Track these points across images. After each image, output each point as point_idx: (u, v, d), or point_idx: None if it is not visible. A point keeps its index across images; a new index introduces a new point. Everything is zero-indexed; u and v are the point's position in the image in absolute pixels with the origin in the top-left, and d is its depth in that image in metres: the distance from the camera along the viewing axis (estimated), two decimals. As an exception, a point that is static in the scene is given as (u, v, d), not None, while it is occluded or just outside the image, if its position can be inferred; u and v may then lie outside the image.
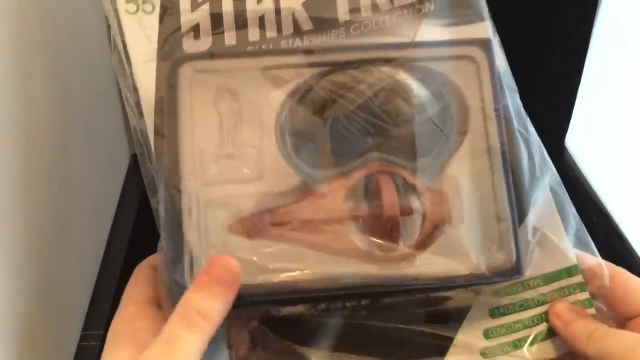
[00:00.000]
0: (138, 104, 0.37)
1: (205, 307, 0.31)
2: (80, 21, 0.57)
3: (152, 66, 0.37)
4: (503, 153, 0.37)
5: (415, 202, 0.36)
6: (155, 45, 0.37)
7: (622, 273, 0.37)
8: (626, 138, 0.67)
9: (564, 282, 0.38)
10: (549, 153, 0.74)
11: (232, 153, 0.36)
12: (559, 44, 0.69)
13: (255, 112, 0.37)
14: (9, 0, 0.40)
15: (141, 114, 0.37)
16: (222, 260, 0.33)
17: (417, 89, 0.38)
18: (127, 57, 0.37)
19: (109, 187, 0.65)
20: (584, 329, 0.35)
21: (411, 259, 0.35)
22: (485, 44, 0.39)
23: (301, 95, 0.38)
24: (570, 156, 0.75)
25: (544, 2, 0.67)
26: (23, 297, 0.41)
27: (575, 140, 0.75)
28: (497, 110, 0.39)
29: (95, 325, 0.52)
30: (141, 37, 0.37)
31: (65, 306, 0.50)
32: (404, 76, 0.38)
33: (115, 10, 0.37)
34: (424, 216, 0.36)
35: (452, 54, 0.38)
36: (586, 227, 0.64)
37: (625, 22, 0.67)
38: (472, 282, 0.36)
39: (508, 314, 0.38)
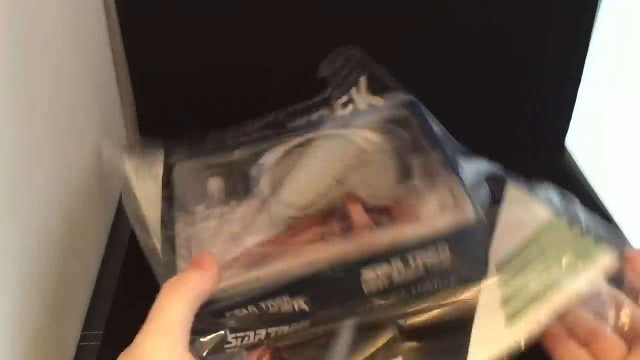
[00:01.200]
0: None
1: (183, 276, 0.36)
2: (80, 21, 0.57)
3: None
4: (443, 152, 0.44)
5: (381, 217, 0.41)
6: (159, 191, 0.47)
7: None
8: (626, 138, 0.67)
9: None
10: (549, 153, 0.74)
11: (221, 211, 0.43)
12: (559, 44, 0.69)
13: (241, 184, 0.45)
14: (10, 1, 0.40)
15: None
16: (202, 253, 0.38)
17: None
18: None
19: (109, 187, 0.65)
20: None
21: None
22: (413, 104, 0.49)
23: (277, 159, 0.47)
24: (570, 156, 0.75)
25: (545, 3, 0.67)
26: (24, 297, 0.41)
27: (575, 141, 0.75)
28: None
29: (95, 325, 0.52)
30: (148, 191, 0.46)
31: (65, 306, 0.50)
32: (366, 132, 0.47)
33: (127, 178, 0.47)
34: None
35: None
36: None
37: (625, 21, 0.67)
38: (443, 236, 0.38)
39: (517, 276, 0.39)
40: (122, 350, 0.46)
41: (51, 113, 0.48)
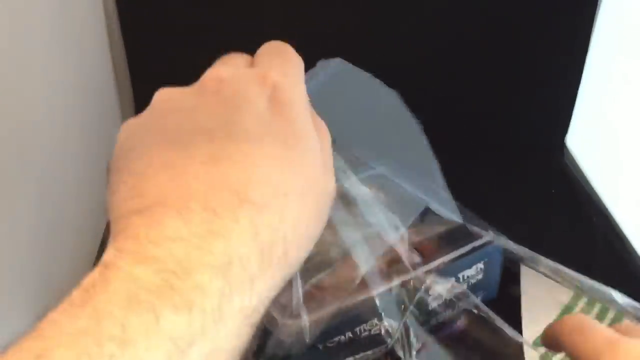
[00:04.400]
0: None
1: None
2: (78, 20, 0.57)
3: None
4: None
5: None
6: None
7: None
8: (627, 137, 0.67)
9: None
10: (549, 153, 0.74)
11: None
12: (559, 43, 0.69)
13: None
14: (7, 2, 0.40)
15: None
16: None
17: None
18: None
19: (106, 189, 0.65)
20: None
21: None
22: None
23: None
24: (570, 155, 0.75)
25: (545, 3, 0.66)
26: (17, 297, 0.41)
27: (575, 140, 0.75)
28: None
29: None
30: None
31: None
32: None
33: None
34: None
35: None
36: (586, 227, 0.64)
37: (625, 21, 0.67)
38: (481, 255, 0.46)
39: None
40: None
41: (47, 112, 0.48)
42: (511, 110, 0.73)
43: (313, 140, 0.27)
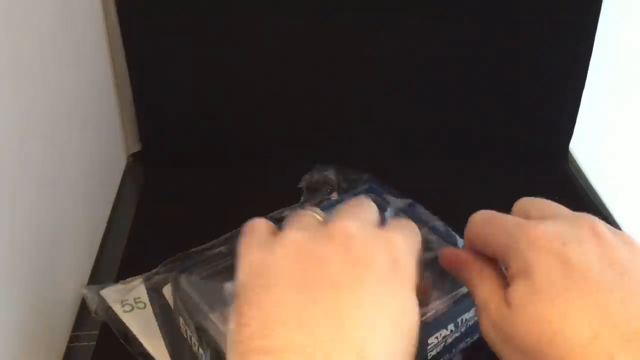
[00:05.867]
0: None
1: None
2: (76, 21, 0.56)
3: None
4: None
5: None
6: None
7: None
8: (630, 143, 0.67)
9: None
10: (553, 159, 0.73)
11: None
12: (563, 49, 0.69)
13: None
14: (6, 1, 0.40)
15: None
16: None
17: None
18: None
19: (104, 188, 0.65)
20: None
21: None
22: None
23: None
24: (574, 162, 0.74)
25: (547, 9, 0.66)
26: (14, 296, 0.41)
27: (579, 146, 0.75)
28: None
29: (87, 325, 0.51)
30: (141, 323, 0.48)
31: (56, 307, 0.49)
32: None
33: (114, 312, 0.48)
34: None
35: None
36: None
37: (628, 27, 0.67)
38: None
39: None
40: (117, 352, 0.45)
41: (47, 112, 0.47)
42: (515, 116, 0.73)
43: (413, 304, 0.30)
